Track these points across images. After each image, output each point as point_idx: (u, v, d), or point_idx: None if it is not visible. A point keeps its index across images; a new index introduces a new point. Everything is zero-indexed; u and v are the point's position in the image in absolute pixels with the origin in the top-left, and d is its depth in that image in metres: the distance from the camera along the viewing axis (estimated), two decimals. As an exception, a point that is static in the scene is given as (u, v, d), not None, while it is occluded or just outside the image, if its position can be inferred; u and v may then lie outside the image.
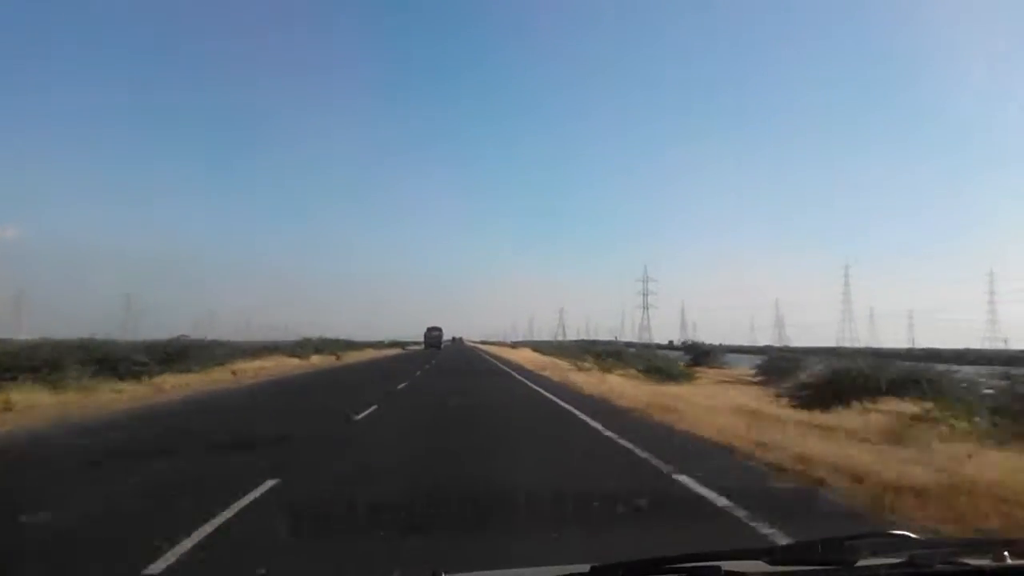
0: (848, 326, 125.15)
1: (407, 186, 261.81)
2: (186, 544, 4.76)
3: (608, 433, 11.20)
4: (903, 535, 1.62)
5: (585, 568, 1.42)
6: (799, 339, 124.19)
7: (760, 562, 1.48)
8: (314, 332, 57.24)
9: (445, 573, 1.46)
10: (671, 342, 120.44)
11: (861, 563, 1.44)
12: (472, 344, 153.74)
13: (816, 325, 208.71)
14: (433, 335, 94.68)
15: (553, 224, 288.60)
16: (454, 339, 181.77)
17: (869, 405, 14.51)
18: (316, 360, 43.75)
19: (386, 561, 4.27)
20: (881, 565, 1.44)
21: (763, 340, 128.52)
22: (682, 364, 38.33)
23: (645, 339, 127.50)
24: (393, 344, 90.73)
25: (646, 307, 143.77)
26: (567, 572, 1.45)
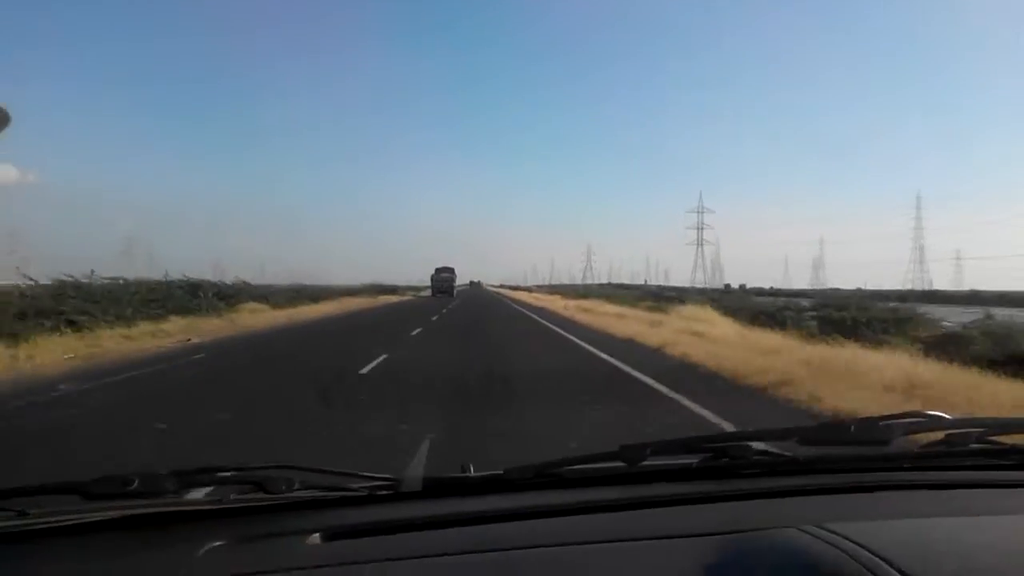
0: (919, 268, 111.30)
1: (420, 129, 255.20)
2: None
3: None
4: (937, 415, 1.44)
5: (615, 447, 1.36)
6: (838, 281, 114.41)
7: (791, 442, 1.41)
8: (328, 279, 57.48)
9: (473, 467, 1.37)
10: (728, 285, 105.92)
11: (895, 442, 1.37)
12: (493, 289, 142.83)
13: (860, 265, 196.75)
14: (443, 277, 70.09)
15: (575, 166, 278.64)
16: (472, 283, 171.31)
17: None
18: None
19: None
20: (915, 444, 1.43)
21: (799, 283, 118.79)
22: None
23: (699, 282, 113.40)
24: (380, 291, 64.61)
25: (700, 243, 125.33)
26: (598, 453, 1.39)
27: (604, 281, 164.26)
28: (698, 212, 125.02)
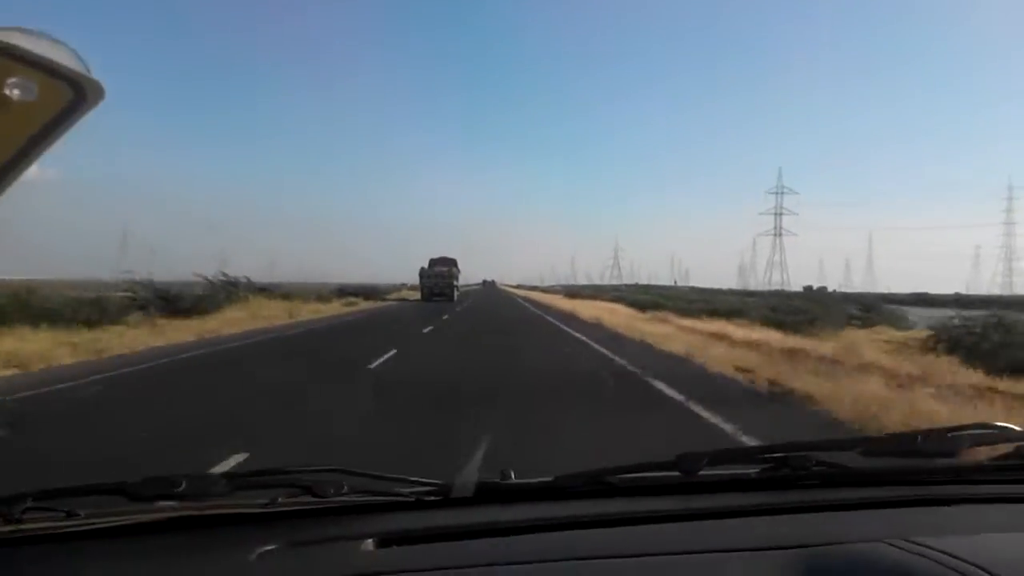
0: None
1: (436, 127, 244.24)
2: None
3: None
4: (1006, 427, 1.36)
5: (671, 457, 1.28)
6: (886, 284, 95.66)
7: (854, 452, 1.34)
8: (342, 278, 50.19)
9: (513, 473, 1.34)
10: (810, 287, 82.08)
11: (963, 454, 1.33)
12: (510, 290, 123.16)
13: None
14: (437, 272, 48.69)
15: (596, 163, 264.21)
16: (485, 282, 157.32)
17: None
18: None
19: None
20: (984, 456, 1.36)
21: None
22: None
23: (776, 282, 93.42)
24: (361, 293, 47.73)
25: (778, 233, 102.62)
26: (652, 462, 1.31)
27: (631, 282, 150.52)
28: (777, 193, 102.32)
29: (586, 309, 31.66)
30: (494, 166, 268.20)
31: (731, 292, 73.78)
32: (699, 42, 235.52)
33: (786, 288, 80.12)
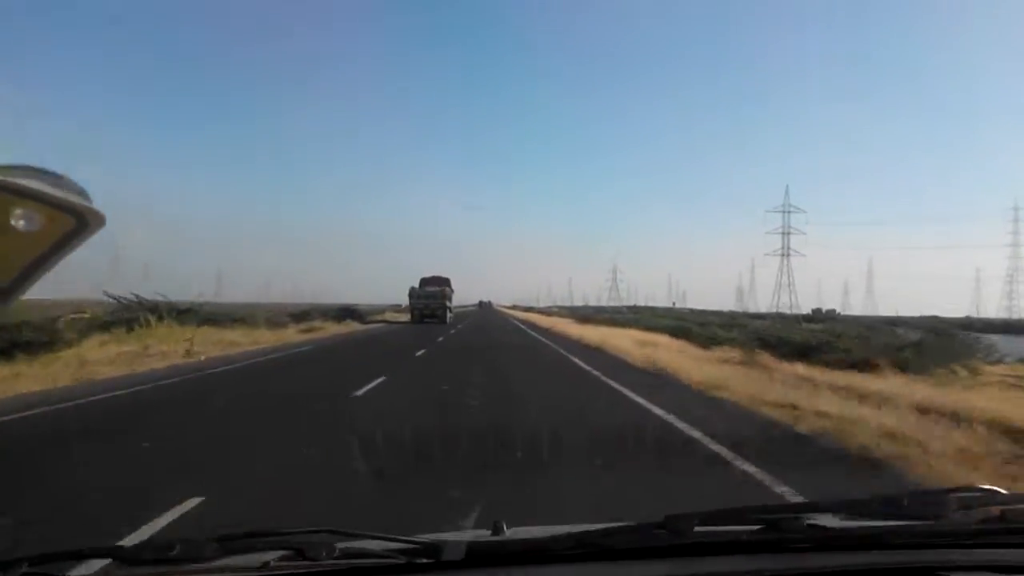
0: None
1: (428, 144, 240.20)
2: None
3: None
4: (992, 490, 1.43)
5: (659, 517, 1.30)
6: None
7: (844, 514, 1.40)
8: (337, 298, 33.76)
9: (507, 525, 1.40)
10: (818, 310, 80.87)
11: (949, 517, 1.34)
12: (502, 309, 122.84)
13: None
14: (428, 293, 44.57)
15: (592, 181, 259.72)
16: (481, 304, 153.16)
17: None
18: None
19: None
20: (970, 519, 1.35)
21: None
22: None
23: (784, 304, 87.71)
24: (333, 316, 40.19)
25: (786, 253, 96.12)
26: (643, 523, 1.32)
27: (631, 303, 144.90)
28: (783, 212, 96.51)
29: (618, 341, 23.28)
30: (491, 186, 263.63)
31: (744, 315, 68.05)
32: (698, 59, 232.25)
33: (794, 311, 74.41)
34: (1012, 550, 1.31)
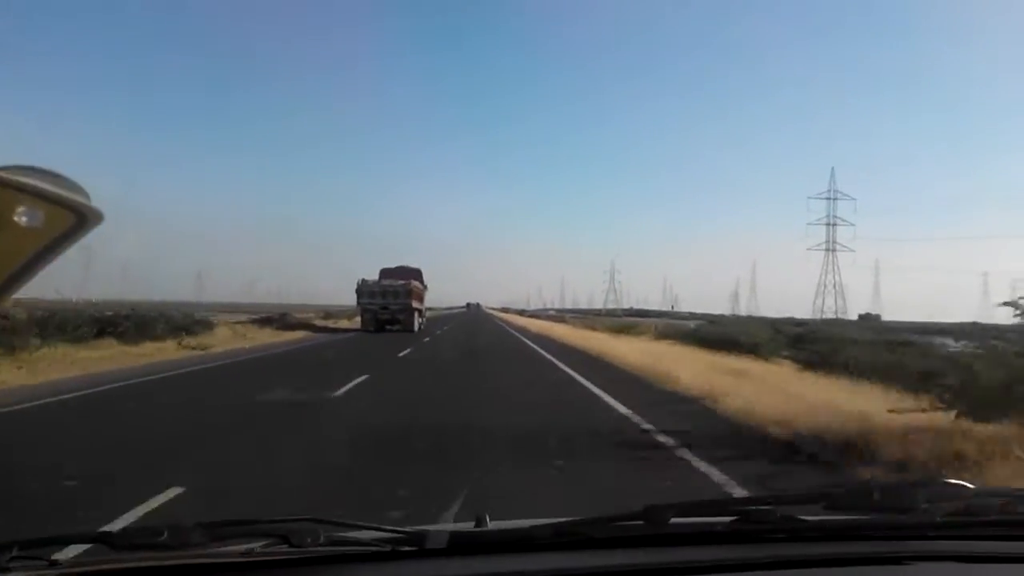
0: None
1: (422, 145, 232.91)
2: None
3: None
4: (959, 484, 1.45)
5: (639, 507, 1.33)
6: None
7: (817, 506, 1.42)
8: (330, 300, 33.92)
9: (490, 518, 1.40)
10: (867, 315, 70.37)
11: (918, 509, 1.38)
12: (492, 313, 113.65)
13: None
14: (389, 288, 31.80)
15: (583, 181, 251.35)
16: (469, 305, 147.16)
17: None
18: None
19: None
20: (937, 512, 1.39)
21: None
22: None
23: (828, 309, 74.23)
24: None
25: (831, 247, 77.28)
26: (622, 512, 1.35)
27: (626, 306, 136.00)
28: (828, 198, 78.57)
29: (695, 369, 13.35)
30: (482, 186, 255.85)
31: (787, 320, 54.44)
32: (696, 54, 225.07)
33: (842, 316, 63.03)
34: (978, 542, 1.36)
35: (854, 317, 68.36)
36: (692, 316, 79.65)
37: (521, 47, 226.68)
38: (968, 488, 1.40)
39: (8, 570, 1.10)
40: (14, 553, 1.13)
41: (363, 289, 31.59)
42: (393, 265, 34.63)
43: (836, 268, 77.02)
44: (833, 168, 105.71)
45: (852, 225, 78.30)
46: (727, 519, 1.35)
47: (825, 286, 77.96)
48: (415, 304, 32.43)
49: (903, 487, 1.50)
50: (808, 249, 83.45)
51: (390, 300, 31.33)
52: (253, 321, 32.68)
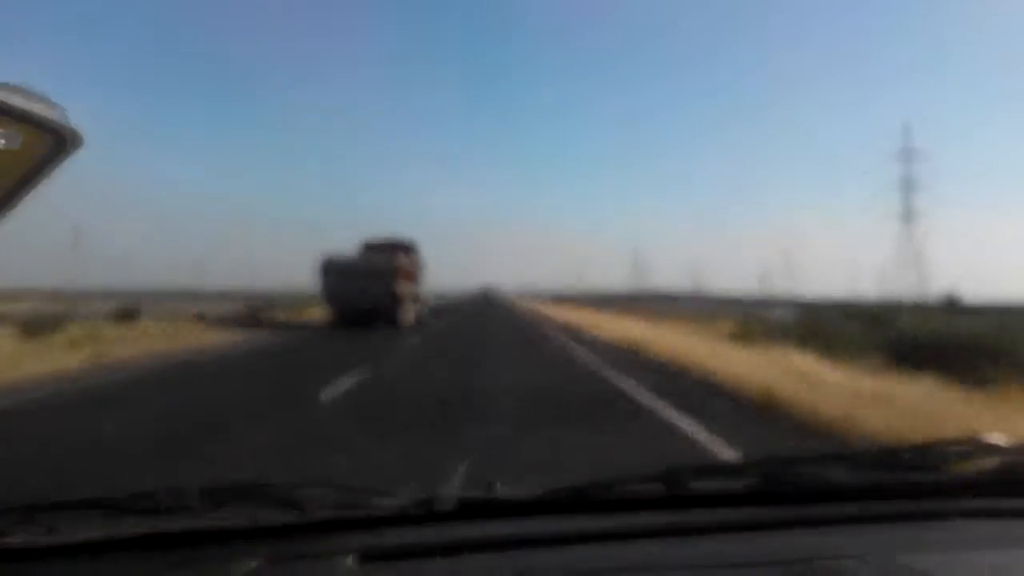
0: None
1: (435, 126, 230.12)
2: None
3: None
4: (990, 443, 1.39)
5: (662, 468, 1.30)
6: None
7: (841, 467, 1.40)
8: None
9: (500, 484, 1.33)
10: (951, 295, 61.25)
11: (948, 469, 1.37)
12: (513, 301, 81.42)
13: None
14: (367, 268, 23.36)
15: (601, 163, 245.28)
16: (484, 289, 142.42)
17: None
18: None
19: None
20: (970, 471, 1.38)
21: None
22: None
23: (906, 286, 59.01)
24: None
25: (909, 215, 60.32)
26: (639, 475, 1.31)
27: (651, 290, 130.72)
28: (902, 160, 63.15)
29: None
30: (502, 167, 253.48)
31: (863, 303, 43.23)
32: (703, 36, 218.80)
33: (923, 295, 50.76)
34: (1010, 499, 1.32)
35: (931, 297, 55.51)
36: (721, 299, 73.17)
37: (541, 25, 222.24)
38: (1000, 446, 1.34)
39: (7, 534, 1.09)
40: (16, 519, 1.12)
41: (330, 267, 23.21)
42: (381, 237, 26.62)
43: (914, 239, 63.90)
44: (908, 123, 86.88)
45: (930, 189, 64.38)
46: (751, 480, 1.33)
47: (903, 260, 64.85)
48: (402, 287, 23.62)
49: (933, 445, 1.38)
50: (875, 219, 70.24)
51: (364, 283, 22.47)
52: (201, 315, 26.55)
